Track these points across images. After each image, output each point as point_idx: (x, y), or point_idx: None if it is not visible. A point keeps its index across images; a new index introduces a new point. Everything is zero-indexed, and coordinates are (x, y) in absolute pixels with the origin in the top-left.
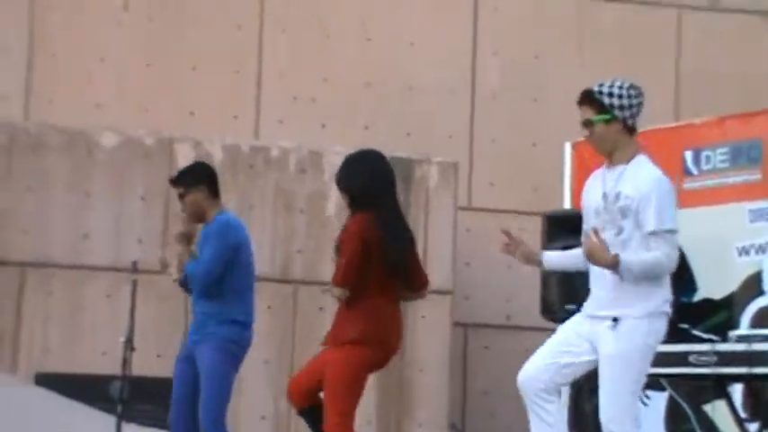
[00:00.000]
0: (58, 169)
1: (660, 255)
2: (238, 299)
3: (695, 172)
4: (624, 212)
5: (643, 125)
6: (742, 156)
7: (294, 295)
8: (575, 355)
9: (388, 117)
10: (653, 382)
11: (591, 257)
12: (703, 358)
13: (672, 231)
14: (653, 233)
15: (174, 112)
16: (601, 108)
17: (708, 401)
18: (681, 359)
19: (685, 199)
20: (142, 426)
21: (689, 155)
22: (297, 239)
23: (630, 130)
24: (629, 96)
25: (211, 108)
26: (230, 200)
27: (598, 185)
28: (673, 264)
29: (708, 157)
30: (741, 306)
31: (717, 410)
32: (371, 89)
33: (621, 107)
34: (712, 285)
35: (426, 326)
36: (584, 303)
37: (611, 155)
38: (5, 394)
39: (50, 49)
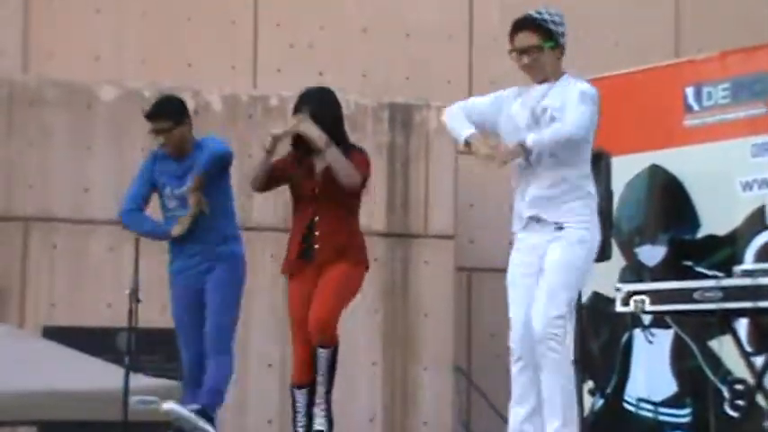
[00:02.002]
0: (58, 123)
1: (564, 127)
2: (233, 216)
3: (697, 108)
4: (552, 123)
5: (643, 62)
6: (744, 90)
7: None
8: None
9: (386, 63)
10: (658, 320)
11: (497, 156)
12: (708, 294)
13: (582, 110)
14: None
15: (171, 64)
16: (547, 35)
17: (713, 337)
18: (685, 296)
19: (687, 135)
20: (148, 376)
21: (690, 91)
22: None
23: (562, 56)
24: (563, 24)
25: (209, 59)
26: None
27: (523, 102)
28: (572, 131)
29: (709, 93)
30: (745, 241)
31: (723, 346)
32: (368, 35)
33: (563, 35)
34: (716, 221)
35: (430, 270)
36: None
37: (545, 82)
38: (14, 346)
39: (47, 1)
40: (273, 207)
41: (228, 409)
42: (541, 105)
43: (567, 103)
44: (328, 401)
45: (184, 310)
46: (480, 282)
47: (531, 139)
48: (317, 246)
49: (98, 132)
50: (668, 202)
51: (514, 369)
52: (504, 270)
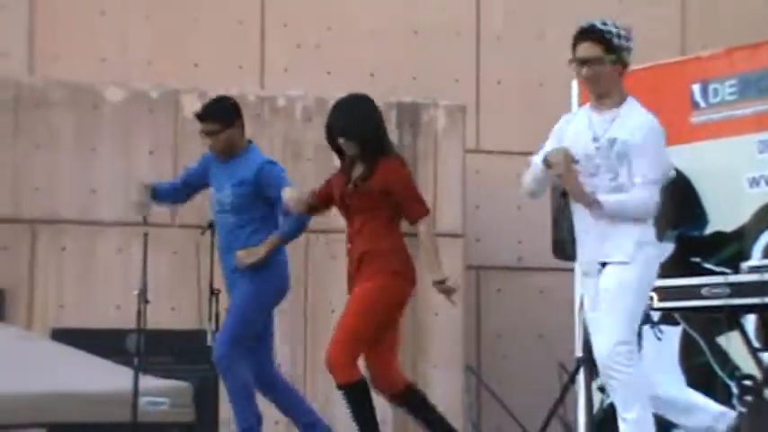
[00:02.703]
0: (64, 125)
1: (636, 196)
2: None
3: (703, 105)
4: (620, 158)
5: (650, 59)
6: (751, 87)
7: (306, 244)
8: None
9: (394, 62)
10: (666, 317)
11: (569, 188)
12: (716, 290)
13: (656, 182)
14: (641, 183)
15: (177, 65)
16: (609, 47)
17: (721, 333)
18: (693, 292)
19: (694, 132)
20: (158, 377)
21: (696, 88)
22: (306, 188)
23: (623, 74)
24: (628, 40)
25: (215, 59)
26: None
27: (585, 128)
28: (651, 209)
29: (716, 90)
30: (752, 237)
31: (731, 342)
32: (376, 35)
33: (628, 50)
34: (723, 218)
35: None
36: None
37: (603, 97)
38: (23, 349)
39: (52, 4)
40: None
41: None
42: (609, 136)
43: (640, 155)
44: None
45: None
46: (488, 280)
47: (606, 203)
48: (348, 258)
49: (104, 133)
50: (675, 199)
51: None
52: (510, 268)
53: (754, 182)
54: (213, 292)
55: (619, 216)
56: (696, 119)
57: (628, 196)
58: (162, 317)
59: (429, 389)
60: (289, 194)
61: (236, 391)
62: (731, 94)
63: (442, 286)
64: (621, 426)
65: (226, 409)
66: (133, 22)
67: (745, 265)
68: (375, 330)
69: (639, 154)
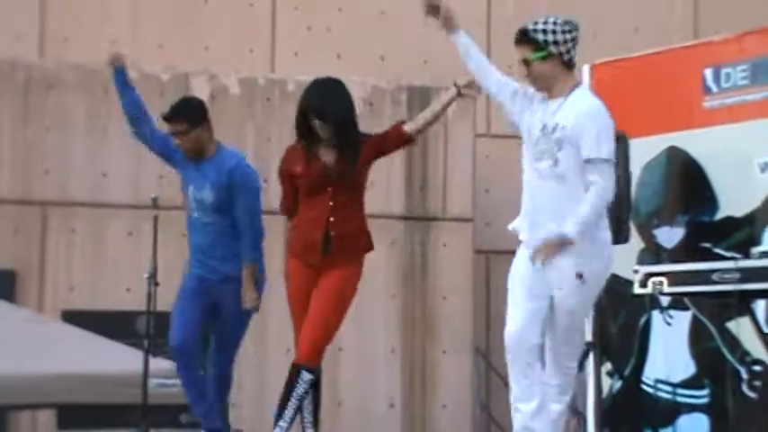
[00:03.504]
0: (75, 108)
1: (593, 195)
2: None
3: (715, 90)
4: (560, 143)
5: (663, 44)
6: (762, 72)
7: None
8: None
9: (404, 46)
10: (676, 302)
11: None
12: (726, 275)
13: (608, 161)
14: (588, 161)
15: (188, 48)
16: (536, 46)
17: (731, 319)
18: (703, 277)
19: (706, 117)
20: (167, 359)
21: (708, 73)
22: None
23: (568, 64)
24: (563, 32)
25: (226, 42)
26: (248, 133)
27: (538, 115)
28: (610, 195)
29: (728, 75)
30: (763, 222)
31: (741, 327)
32: (386, 18)
33: (556, 42)
34: (734, 203)
35: (448, 253)
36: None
37: (551, 90)
38: (33, 331)
39: None
40: None
41: (247, 395)
42: (553, 122)
43: (583, 134)
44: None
45: None
46: (497, 264)
47: (571, 229)
48: (333, 233)
49: (115, 116)
50: (686, 183)
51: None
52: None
53: (766, 166)
54: None
55: (590, 227)
56: (708, 104)
57: (583, 207)
58: (171, 299)
59: (438, 372)
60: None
61: (224, 406)
62: (743, 78)
63: (464, 85)
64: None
65: (234, 392)
66: (144, 5)
67: (755, 250)
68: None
69: (585, 133)
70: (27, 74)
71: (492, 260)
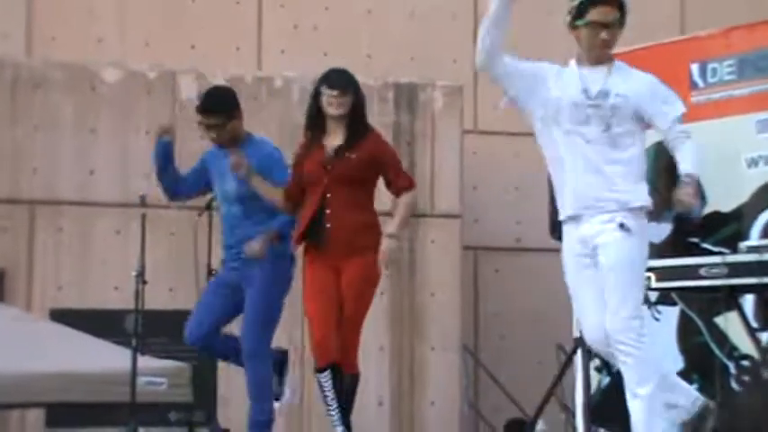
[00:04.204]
0: (62, 106)
1: (692, 144)
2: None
3: (702, 85)
4: (614, 110)
5: (649, 39)
6: (749, 67)
7: None
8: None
9: (391, 44)
10: (664, 297)
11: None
12: (714, 270)
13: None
14: (674, 122)
15: (175, 46)
16: (623, 12)
17: (719, 314)
18: (691, 272)
19: (693, 112)
20: (156, 358)
21: (695, 68)
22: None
23: None
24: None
25: (213, 40)
26: None
27: (574, 80)
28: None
29: (714, 70)
30: (751, 217)
31: (728, 322)
32: (373, 16)
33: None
34: (721, 198)
35: (436, 250)
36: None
37: (602, 58)
38: (21, 329)
39: None
40: None
41: (235, 394)
42: (602, 88)
43: (653, 102)
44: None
45: None
46: (486, 261)
47: (691, 169)
48: (328, 225)
49: (102, 114)
50: (674, 179)
51: None
52: (508, 248)
53: (753, 162)
54: (211, 273)
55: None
56: (695, 99)
57: (689, 149)
58: (160, 298)
59: (426, 370)
60: (232, 160)
61: (257, 383)
62: (729, 73)
63: (390, 241)
64: (633, 402)
65: (224, 390)
66: (131, 4)
67: (743, 244)
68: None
69: (649, 102)
70: (14, 72)
71: (480, 256)
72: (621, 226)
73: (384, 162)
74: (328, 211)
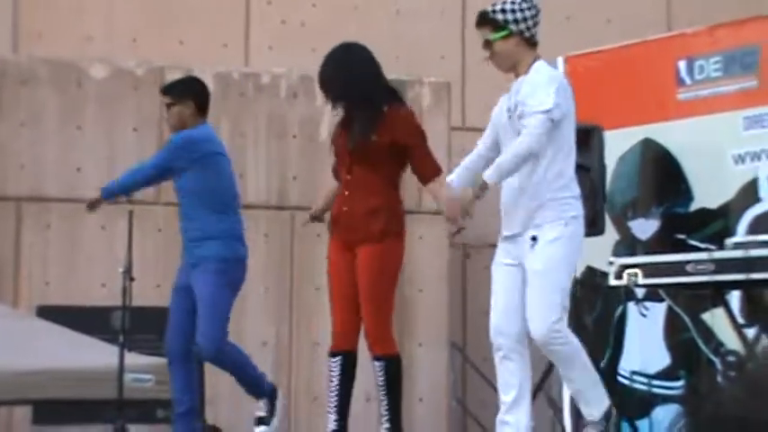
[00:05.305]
0: (48, 103)
1: (522, 140)
2: (232, 212)
3: (689, 82)
4: (523, 117)
5: (636, 36)
6: (735, 64)
7: (291, 222)
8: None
9: (379, 40)
10: (651, 294)
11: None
12: (701, 267)
13: (545, 111)
14: (529, 114)
15: (162, 42)
16: (496, 26)
17: (706, 310)
18: (678, 269)
19: (680, 109)
20: (143, 354)
21: (682, 65)
22: (291, 165)
23: (530, 42)
24: (522, 9)
25: (200, 37)
26: (222, 128)
27: (504, 103)
28: (534, 144)
29: (701, 67)
30: (737, 214)
31: (715, 318)
32: (360, 12)
33: (516, 21)
34: (708, 194)
35: (425, 246)
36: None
37: (512, 71)
38: (8, 326)
39: None
40: (266, 185)
41: (223, 387)
42: (514, 101)
43: (526, 105)
44: (392, 420)
45: None
46: (474, 257)
47: (486, 176)
48: (345, 208)
49: (89, 111)
50: (661, 175)
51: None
52: (496, 245)
53: (740, 159)
54: None
55: (509, 170)
56: (682, 95)
57: (505, 152)
58: (147, 294)
59: (414, 366)
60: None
61: (238, 369)
62: (716, 70)
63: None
64: (566, 385)
65: (211, 386)
66: (118, 0)
67: (729, 241)
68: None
69: (530, 95)
70: (0, 69)
71: (468, 253)
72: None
73: (406, 144)
74: (347, 193)
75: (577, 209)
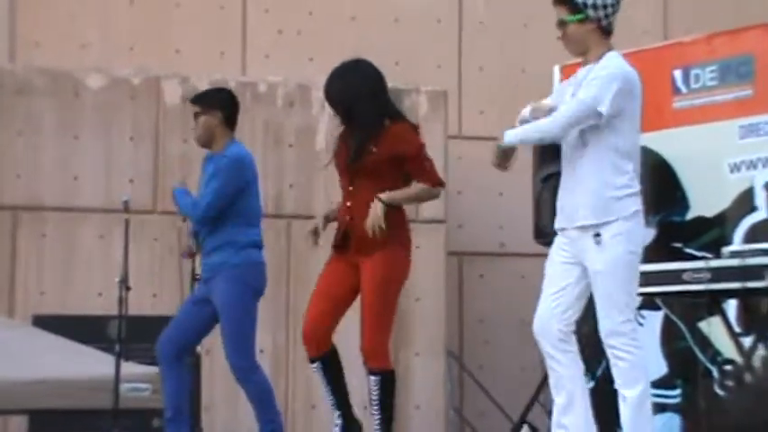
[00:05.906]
0: (45, 112)
1: (549, 121)
2: (247, 224)
3: (685, 90)
4: None
5: (632, 45)
6: (731, 73)
7: (287, 230)
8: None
9: (375, 49)
10: (647, 302)
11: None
12: (697, 275)
13: (586, 104)
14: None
15: (159, 51)
16: (574, 8)
17: (702, 318)
18: (675, 277)
19: (676, 118)
20: (140, 364)
21: (678, 73)
22: (287, 174)
23: (605, 31)
24: None
25: (197, 45)
26: None
27: (569, 87)
28: (557, 130)
29: (697, 76)
30: (734, 222)
31: (712, 327)
32: (357, 21)
33: (595, 6)
34: (704, 203)
35: (421, 255)
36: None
37: (581, 55)
38: (4, 336)
39: None
40: (263, 193)
41: (220, 394)
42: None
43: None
44: None
45: None
46: (471, 266)
47: (506, 133)
48: (348, 218)
49: (86, 120)
50: (657, 184)
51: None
52: (493, 253)
53: (736, 167)
54: (195, 279)
55: (524, 139)
56: (678, 104)
57: (535, 123)
58: (143, 303)
59: (411, 375)
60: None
61: (254, 396)
62: (712, 79)
63: (376, 206)
64: (622, 405)
65: (207, 396)
66: (114, 8)
67: (726, 249)
68: (395, 308)
69: (587, 85)
70: None
71: (465, 262)
72: (597, 235)
73: (405, 158)
74: (349, 204)
75: (638, 204)
